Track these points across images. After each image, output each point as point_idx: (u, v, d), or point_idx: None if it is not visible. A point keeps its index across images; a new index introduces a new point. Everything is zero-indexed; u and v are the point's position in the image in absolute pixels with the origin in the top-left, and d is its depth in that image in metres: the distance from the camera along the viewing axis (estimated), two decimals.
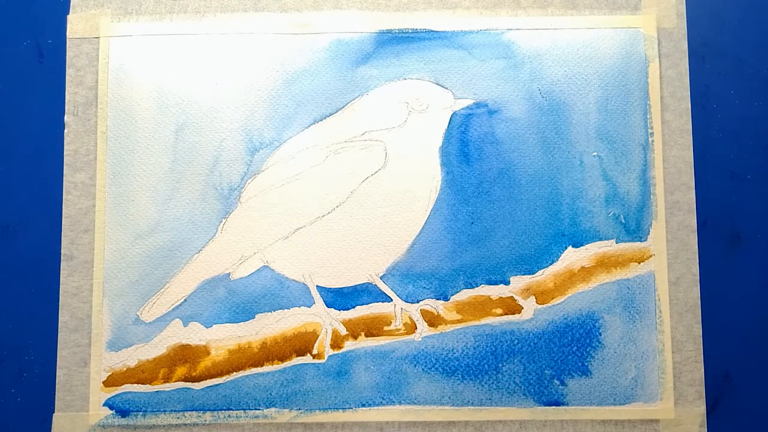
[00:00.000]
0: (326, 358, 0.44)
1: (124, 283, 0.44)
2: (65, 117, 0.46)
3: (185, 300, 0.44)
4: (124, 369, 0.44)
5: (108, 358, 0.44)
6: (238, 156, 0.45)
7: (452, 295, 0.44)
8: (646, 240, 0.44)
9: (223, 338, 0.44)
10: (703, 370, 0.44)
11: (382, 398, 0.43)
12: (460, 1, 0.46)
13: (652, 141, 0.45)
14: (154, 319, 0.44)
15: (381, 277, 0.44)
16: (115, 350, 0.44)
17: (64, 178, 0.45)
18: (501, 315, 0.44)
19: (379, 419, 0.43)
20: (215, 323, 0.44)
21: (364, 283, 0.44)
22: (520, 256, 0.44)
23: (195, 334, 0.44)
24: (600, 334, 0.44)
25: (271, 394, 0.43)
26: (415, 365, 0.44)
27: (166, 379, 0.44)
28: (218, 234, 0.45)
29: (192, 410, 0.43)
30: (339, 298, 0.44)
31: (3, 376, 0.45)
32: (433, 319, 0.44)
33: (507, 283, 0.44)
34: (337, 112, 0.45)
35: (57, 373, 0.44)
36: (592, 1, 0.46)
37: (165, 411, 0.43)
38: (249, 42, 0.46)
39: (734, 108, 0.46)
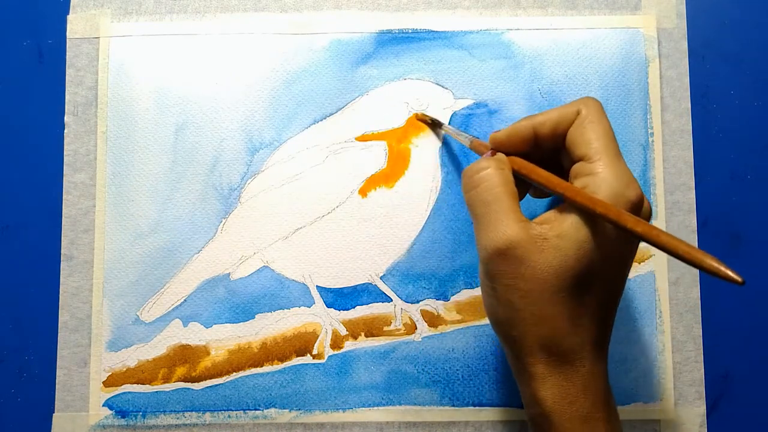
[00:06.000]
0: (326, 358, 0.44)
1: (124, 283, 0.44)
2: (65, 117, 0.46)
3: (185, 300, 0.44)
4: (124, 369, 0.44)
5: (108, 359, 0.44)
6: (238, 156, 0.45)
7: (452, 295, 0.44)
8: None
9: (223, 338, 0.44)
10: (703, 370, 0.44)
11: (382, 398, 0.43)
12: (460, 1, 0.46)
13: (652, 141, 0.45)
14: (154, 320, 0.44)
15: (381, 278, 0.44)
16: (114, 350, 0.44)
17: (64, 178, 0.45)
18: None
19: (379, 419, 0.43)
20: (215, 323, 0.44)
21: (364, 283, 0.44)
22: None
23: (195, 335, 0.44)
24: None
25: (271, 394, 0.43)
26: (415, 365, 0.44)
27: (166, 380, 0.44)
28: (218, 234, 0.45)
29: (192, 410, 0.43)
30: (339, 298, 0.44)
31: (3, 376, 0.45)
32: (433, 319, 0.44)
33: None
34: (337, 112, 0.45)
35: (57, 373, 0.44)
36: (592, 1, 0.46)
37: (165, 411, 0.43)
38: (249, 42, 0.46)
39: (734, 108, 0.46)
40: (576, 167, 0.32)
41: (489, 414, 0.43)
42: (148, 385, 0.44)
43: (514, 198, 0.32)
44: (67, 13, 0.46)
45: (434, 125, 0.45)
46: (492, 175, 0.32)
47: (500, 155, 0.35)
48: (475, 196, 0.32)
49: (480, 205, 0.32)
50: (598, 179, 0.30)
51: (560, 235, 0.30)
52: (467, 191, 0.33)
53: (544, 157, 0.35)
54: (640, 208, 0.31)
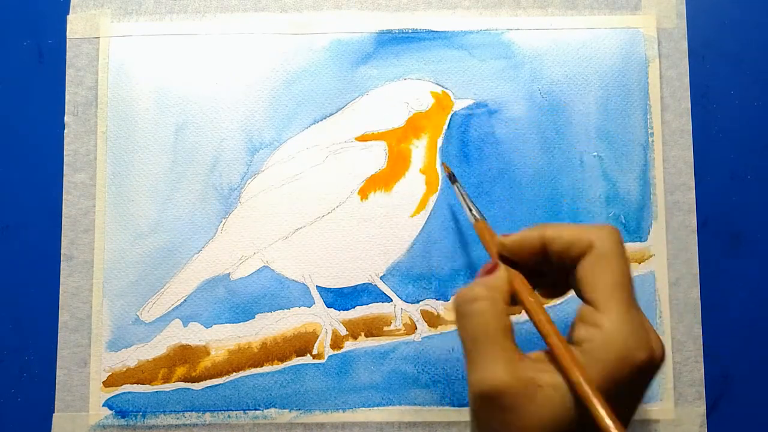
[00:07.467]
0: (326, 358, 0.44)
1: (124, 283, 0.44)
2: (65, 117, 0.46)
3: (185, 300, 0.44)
4: (124, 369, 0.44)
5: (108, 359, 0.44)
6: (238, 156, 0.45)
7: (452, 295, 0.44)
8: (646, 240, 0.44)
9: (222, 338, 0.44)
10: (703, 370, 0.44)
11: (382, 398, 0.43)
12: (460, 1, 0.46)
13: (652, 141, 0.45)
14: (154, 320, 0.44)
15: (381, 278, 0.44)
16: (114, 350, 0.44)
17: (64, 178, 0.45)
18: None
19: (379, 419, 0.43)
20: (215, 323, 0.44)
21: (364, 283, 0.44)
22: None
23: (195, 335, 0.44)
24: None
25: (271, 395, 0.43)
26: (415, 365, 0.44)
27: (166, 380, 0.44)
28: (218, 234, 0.45)
29: (192, 411, 0.43)
30: (339, 298, 0.44)
31: (3, 376, 0.45)
32: (433, 319, 0.44)
33: None
34: (337, 112, 0.45)
35: (57, 373, 0.44)
36: (592, 1, 0.46)
37: (165, 411, 0.43)
38: (249, 42, 0.46)
39: (734, 108, 0.46)
40: (584, 310, 0.29)
41: None
42: (148, 385, 0.44)
43: (507, 334, 0.30)
44: (67, 13, 0.46)
45: (451, 178, 0.42)
46: (483, 310, 0.30)
47: (498, 277, 0.31)
48: (465, 328, 0.30)
49: (469, 340, 0.30)
50: (604, 336, 0.28)
51: (555, 386, 0.28)
52: (457, 319, 0.31)
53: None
54: (649, 365, 0.28)
